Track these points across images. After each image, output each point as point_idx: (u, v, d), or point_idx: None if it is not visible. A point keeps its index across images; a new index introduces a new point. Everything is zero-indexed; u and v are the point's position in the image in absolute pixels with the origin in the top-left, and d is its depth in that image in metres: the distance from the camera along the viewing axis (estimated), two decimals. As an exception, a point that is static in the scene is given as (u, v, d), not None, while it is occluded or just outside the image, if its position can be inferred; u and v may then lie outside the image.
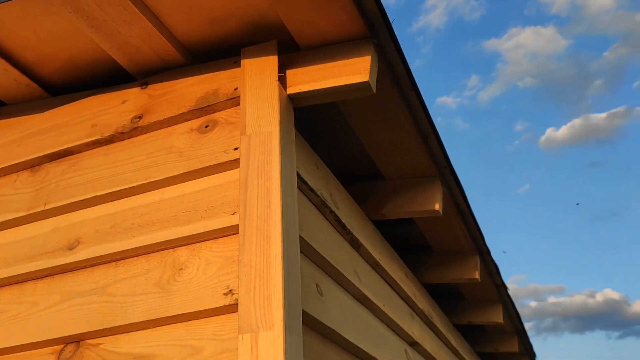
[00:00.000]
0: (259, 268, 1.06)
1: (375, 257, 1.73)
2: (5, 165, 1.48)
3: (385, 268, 1.81)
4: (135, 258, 1.22)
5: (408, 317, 2.03)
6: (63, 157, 1.44)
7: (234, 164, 1.21)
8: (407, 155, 1.73)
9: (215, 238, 1.16)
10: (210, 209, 1.18)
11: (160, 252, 1.20)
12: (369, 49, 1.27)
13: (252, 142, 1.20)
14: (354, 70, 1.25)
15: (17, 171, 1.48)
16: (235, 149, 1.22)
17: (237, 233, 1.13)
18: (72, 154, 1.43)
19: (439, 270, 2.39)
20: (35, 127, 1.52)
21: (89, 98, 1.50)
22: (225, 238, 1.15)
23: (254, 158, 1.18)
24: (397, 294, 1.96)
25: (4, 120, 1.63)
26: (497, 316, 2.96)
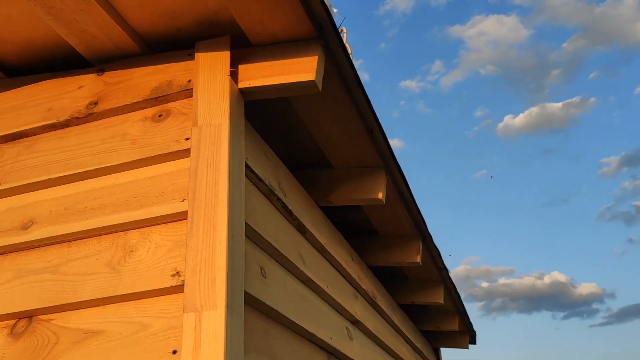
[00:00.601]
0: (205, 252, 1.14)
1: (321, 241, 1.84)
2: (-41, 145, 1.51)
3: (331, 251, 1.92)
4: (87, 239, 1.28)
5: (351, 297, 2.16)
6: (18, 139, 1.48)
7: (185, 153, 1.28)
8: (354, 147, 1.83)
9: (165, 223, 1.24)
10: (161, 195, 1.26)
11: (112, 234, 1.27)
12: (316, 50, 1.35)
13: (202, 133, 1.28)
14: (302, 69, 1.34)
15: (-29, 151, 1.51)
16: (187, 139, 1.29)
17: (186, 219, 1.21)
18: (28, 136, 1.47)
19: (383, 254, 2.52)
20: (-10, 108, 1.54)
21: (45, 82, 1.53)
22: (175, 223, 1.23)
23: (204, 149, 1.26)
24: (342, 275, 2.09)
25: (-42, 98, 1.65)
26: (438, 297, 3.13)
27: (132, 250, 1.23)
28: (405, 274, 3.04)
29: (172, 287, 1.15)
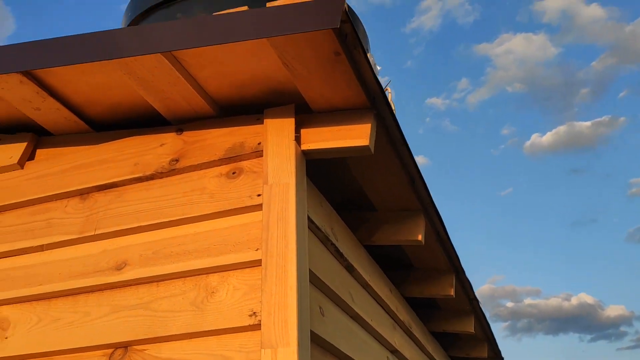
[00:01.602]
0: (278, 296, 1.34)
1: (365, 278, 2.03)
2: (57, 192, 1.75)
3: (374, 287, 2.11)
4: (174, 280, 1.49)
5: (390, 328, 2.33)
6: (109, 189, 1.71)
7: (257, 207, 1.49)
8: (397, 194, 2.02)
9: (241, 268, 1.44)
10: (238, 244, 1.47)
11: (194, 277, 1.48)
12: (369, 118, 1.55)
13: (273, 191, 1.49)
14: (357, 135, 1.54)
15: (68, 197, 1.75)
16: (259, 195, 1.50)
17: (260, 265, 1.41)
18: (117, 186, 1.70)
19: (419, 286, 2.69)
20: (83, 160, 1.78)
21: (130, 138, 1.77)
22: (250, 269, 1.43)
23: (275, 205, 1.46)
24: (382, 308, 2.26)
25: (52, 149, 1.90)
26: (469, 326, 3.28)
27: (213, 292, 1.43)
28: (437, 303, 3.20)
29: (250, 325, 1.35)
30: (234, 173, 1.58)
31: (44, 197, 1.76)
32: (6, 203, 1.79)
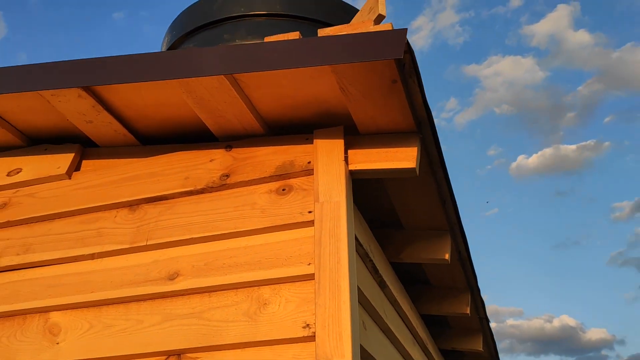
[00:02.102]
0: (332, 309, 1.41)
1: (395, 294, 2.10)
2: (106, 203, 1.81)
3: (400, 304, 2.17)
4: (226, 291, 1.55)
5: (411, 343, 2.40)
6: (159, 201, 1.77)
7: (308, 224, 1.56)
8: (427, 213, 2.10)
9: (293, 282, 1.51)
10: (289, 258, 1.53)
11: (246, 288, 1.54)
12: (415, 141, 1.64)
13: (324, 208, 1.56)
14: (404, 158, 1.62)
15: (117, 208, 1.81)
16: (310, 212, 1.57)
17: (312, 279, 1.48)
18: (167, 199, 1.76)
19: (436, 304, 2.76)
20: (132, 172, 1.84)
21: (179, 153, 1.83)
22: (301, 282, 1.50)
23: (326, 222, 1.54)
24: (405, 324, 2.33)
25: (98, 160, 1.96)
26: (477, 344, 3.35)
27: (265, 304, 1.50)
28: (448, 321, 3.27)
29: (303, 337, 1.41)
30: (283, 190, 1.65)
31: (94, 207, 1.81)
32: (56, 212, 1.84)
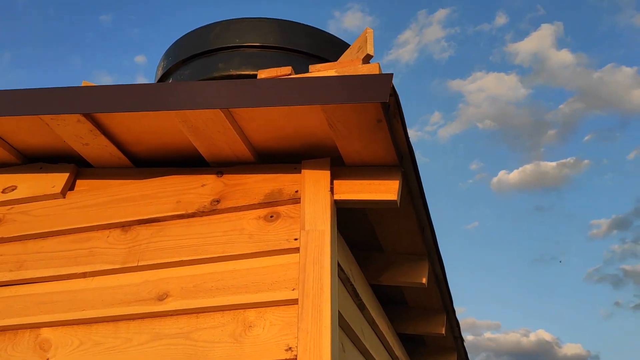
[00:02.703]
0: (313, 333, 1.50)
1: (373, 315, 2.19)
2: (99, 223, 1.87)
3: (378, 324, 2.27)
4: (213, 313, 1.63)
5: (388, 363, 2.49)
6: (151, 223, 1.84)
7: (294, 250, 1.65)
8: (407, 239, 2.20)
9: (277, 306, 1.59)
10: (275, 283, 1.62)
11: (233, 311, 1.62)
12: (397, 175, 1.74)
13: (309, 236, 1.65)
14: (386, 190, 1.72)
15: (110, 228, 1.87)
16: (296, 239, 1.66)
17: (295, 304, 1.56)
18: (159, 221, 1.84)
19: (412, 324, 2.86)
20: (125, 194, 1.92)
21: (172, 176, 1.91)
22: (285, 307, 1.58)
23: (311, 249, 1.63)
24: (383, 344, 2.42)
25: (92, 181, 2.03)
26: (452, 363, 3.45)
27: (250, 326, 1.58)
28: (423, 339, 3.37)
29: (286, 359, 1.49)
30: (271, 217, 1.74)
31: (87, 226, 1.88)
32: (49, 230, 1.90)
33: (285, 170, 1.81)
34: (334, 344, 1.51)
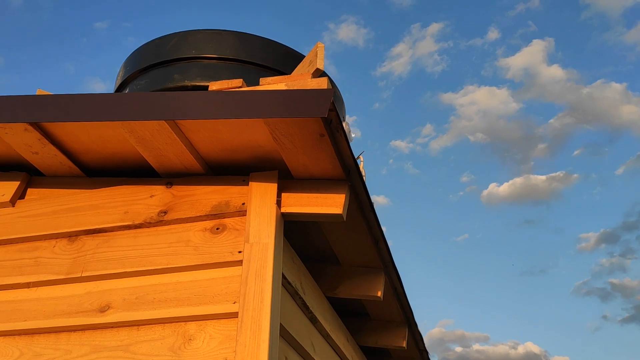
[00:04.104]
0: (251, 347, 1.49)
1: (326, 328, 2.19)
2: (46, 233, 1.86)
3: (333, 337, 2.26)
4: (153, 325, 1.62)
5: (345, 376, 2.48)
6: (98, 233, 1.83)
7: (237, 263, 1.65)
8: (361, 252, 2.21)
9: (218, 319, 1.58)
10: (216, 295, 1.61)
11: (174, 323, 1.61)
12: (344, 189, 1.75)
13: (253, 249, 1.65)
14: (332, 204, 1.73)
15: (57, 238, 1.86)
16: (240, 252, 1.66)
17: (236, 317, 1.56)
18: (106, 231, 1.83)
19: (374, 336, 2.86)
20: (74, 204, 1.91)
21: (121, 187, 1.91)
22: (226, 320, 1.58)
23: (254, 262, 1.62)
24: (339, 356, 2.42)
25: (43, 189, 2.01)
26: (418, 375, 3.45)
27: (190, 339, 1.57)
28: (390, 352, 3.37)
29: (223, 373, 1.49)
30: (217, 229, 1.73)
31: (34, 236, 1.86)
32: (-5, 238, 1.89)
33: (234, 182, 1.81)
34: (272, 357, 1.51)
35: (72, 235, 1.85)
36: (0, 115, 1.73)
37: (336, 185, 1.76)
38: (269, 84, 1.88)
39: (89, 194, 1.92)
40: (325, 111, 1.45)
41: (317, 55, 1.86)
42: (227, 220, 1.75)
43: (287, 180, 1.80)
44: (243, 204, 1.75)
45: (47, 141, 1.82)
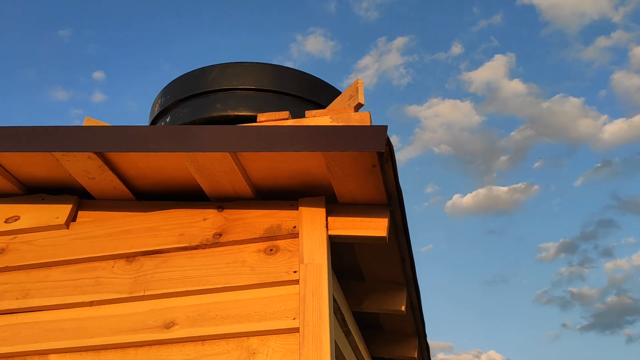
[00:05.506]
0: (314, 360, 1.64)
1: (356, 341, 2.35)
2: (104, 254, 1.97)
3: (360, 349, 2.43)
4: (217, 340, 1.76)
5: (366, 385, 2.64)
6: (155, 254, 1.96)
7: (293, 282, 1.80)
8: (388, 269, 2.38)
9: (279, 334, 1.73)
10: (276, 312, 1.76)
11: (236, 338, 1.75)
12: (386, 213, 1.92)
13: (308, 269, 1.80)
14: (376, 227, 1.90)
15: (114, 259, 1.98)
16: (295, 272, 1.81)
17: (296, 332, 1.71)
18: (163, 253, 1.95)
19: (388, 348, 3.03)
20: (129, 226, 2.03)
21: (174, 210, 2.04)
22: (287, 335, 1.72)
23: (310, 281, 1.78)
24: (362, 367, 2.58)
25: (94, 212, 2.12)
26: (421, 384, 3.63)
27: (254, 353, 1.71)
28: (395, 362, 3.54)
29: (289, 383, 1.63)
30: (271, 250, 1.88)
31: (92, 257, 1.98)
32: (53, 260, 1.99)
33: (283, 206, 1.97)
34: (332, 368, 1.66)
35: (129, 256, 1.97)
36: (68, 144, 1.85)
37: (378, 210, 1.93)
38: (314, 116, 2.04)
39: (142, 216, 2.04)
40: (383, 146, 1.62)
41: (358, 91, 2.04)
42: (279, 242, 1.90)
43: (333, 204, 1.97)
44: (294, 227, 1.90)
45: (107, 168, 1.94)
